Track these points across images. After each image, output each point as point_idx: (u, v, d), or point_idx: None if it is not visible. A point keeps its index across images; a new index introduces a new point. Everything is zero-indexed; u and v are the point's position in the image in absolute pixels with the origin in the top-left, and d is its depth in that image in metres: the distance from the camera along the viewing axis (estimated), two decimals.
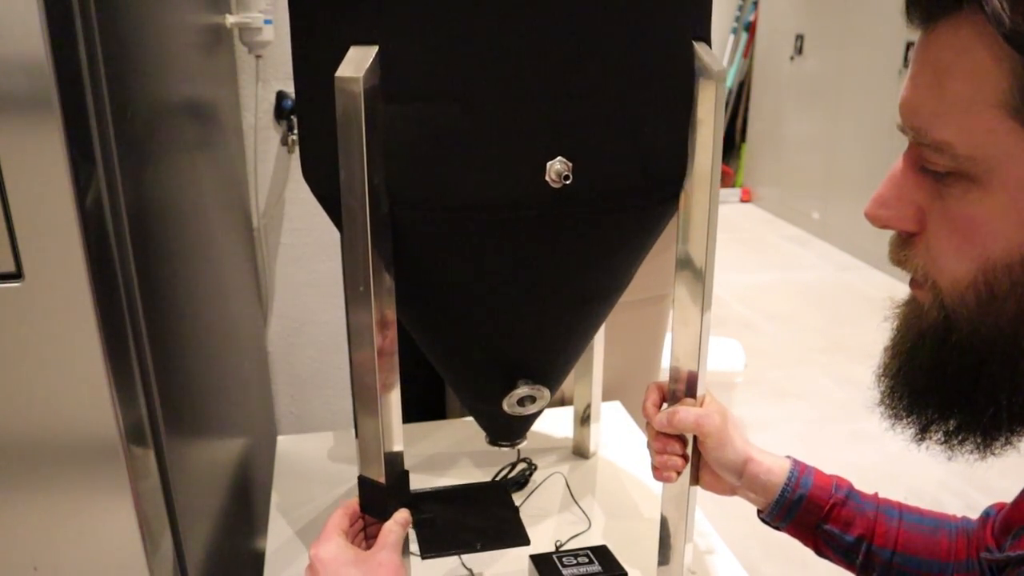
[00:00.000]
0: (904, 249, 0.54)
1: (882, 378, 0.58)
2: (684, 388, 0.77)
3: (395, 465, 0.71)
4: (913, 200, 0.52)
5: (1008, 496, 0.74)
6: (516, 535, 0.79)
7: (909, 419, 0.56)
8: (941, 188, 0.50)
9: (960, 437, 0.54)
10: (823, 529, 0.77)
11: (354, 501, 0.74)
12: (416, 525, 0.76)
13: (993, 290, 0.48)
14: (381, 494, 0.71)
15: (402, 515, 0.73)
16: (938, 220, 0.51)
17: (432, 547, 0.77)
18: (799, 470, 0.79)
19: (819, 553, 0.79)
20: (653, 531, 0.85)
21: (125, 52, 0.72)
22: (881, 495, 0.80)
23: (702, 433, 0.76)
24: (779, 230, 5.14)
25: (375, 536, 0.71)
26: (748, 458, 0.78)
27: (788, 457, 0.81)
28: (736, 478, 0.78)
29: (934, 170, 0.50)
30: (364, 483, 0.72)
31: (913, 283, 0.55)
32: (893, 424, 0.57)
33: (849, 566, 0.78)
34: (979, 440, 0.53)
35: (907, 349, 0.55)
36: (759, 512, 0.81)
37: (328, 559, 0.68)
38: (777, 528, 0.80)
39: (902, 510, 0.77)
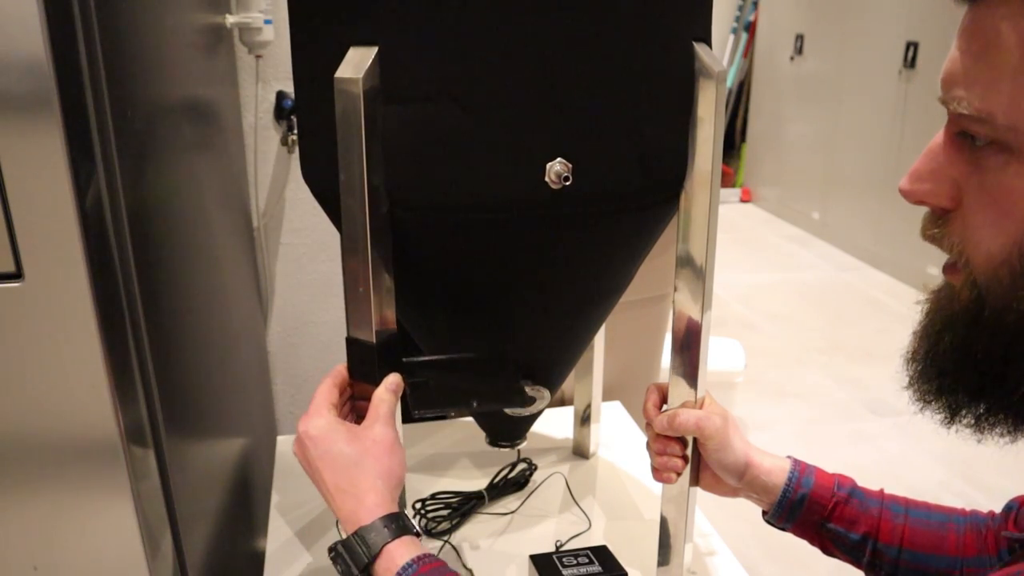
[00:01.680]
0: (938, 226, 0.53)
1: (910, 362, 0.57)
2: (684, 389, 0.77)
3: (386, 326, 0.67)
4: (950, 175, 0.52)
5: (1009, 495, 0.74)
6: (516, 398, 0.75)
7: (939, 402, 0.55)
8: (980, 160, 0.49)
9: (991, 420, 0.53)
10: (827, 528, 0.77)
11: (342, 368, 0.70)
12: (409, 387, 0.71)
13: None
14: (370, 356, 0.67)
15: (392, 380, 0.68)
16: (975, 194, 0.50)
17: (424, 404, 0.71)
18: (799, 470, 0.79)
19: (826, 552, 0.79)
20: (653, 531, 0.85)
21: (125, 52, 0.72)
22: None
23: (703, 435, 0.76)
24: (779, 230, 5.14)
25: (364, 413, 0.68)
26: (748, 460, 0.78)
27: (789, 457, 0.80)
28: (737, 480, 0.78)
29: (973, 142, 0.49)
30: (352, 345, 0.68)
31: (946, 269, 0.54)
32: (922, 408, 0.56)
33: (856, 564, 0.77)
34: (1010, 423, 0.52)
35: (937, 331, 0.55)
36: (764, 513, 0.81)
37: (318, 436, 0.66)
38: (782, 529, 0.80)
39: (908, 506, 0.77)
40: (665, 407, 0.79)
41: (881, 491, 0.79)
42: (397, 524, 0.63)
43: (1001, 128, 0.47)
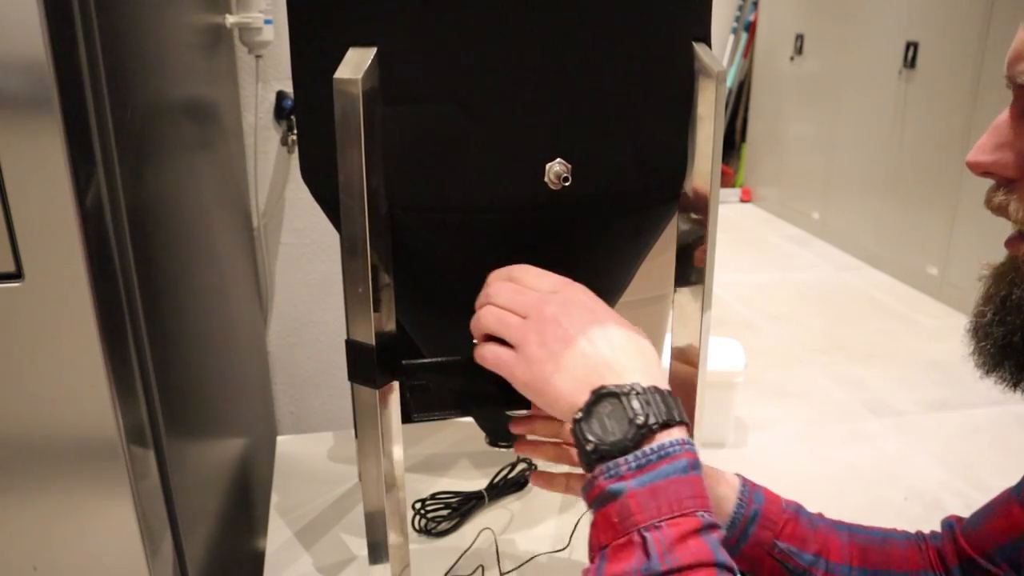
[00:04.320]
0: (1002, 195, 0.57)
1: (976, 328, 0.60)
2: (683, 389, 0.77)
3: (386, 327, 0.66)
4: (1015, 147, 0.56)
5: None
6: (516, 400, 0.71)
7: (1004, 365, 0.58)
8: None
9: None
10: (779, 548, 0.72)
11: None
12: (408, 390, 0.69)
13: None
14: (369, 358, 0.65)
15: None
16: None
17: (424, 408, 0.69)
18: (749, 485, 0.74)
19: None
20: None
21: (125, 52, 0.72)
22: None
23: None
24: (779, 230, 5.14)
25: None
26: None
27: (736, 475, 0.75)
28: None
29: None
30: (351, 347, 0.66)
31: (1009, 242, 0.58)
32: (987, 372, 0.59)
33: None
34: None
35: (1003, 295, 0.57)
36: None
37: (580, 286, 0.58)
38: (730, 554, 0.74)
39: (849, 526, 0.75)
40: None
41: (820, 514, 0.76)
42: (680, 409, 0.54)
43: None
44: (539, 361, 0.55)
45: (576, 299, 0.57)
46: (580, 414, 0.52)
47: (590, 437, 0.51)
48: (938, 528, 0.75)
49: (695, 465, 0.50)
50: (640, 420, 0.50)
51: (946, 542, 0.73)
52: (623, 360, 0.54)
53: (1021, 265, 0.56)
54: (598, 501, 0.50)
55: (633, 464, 0.50)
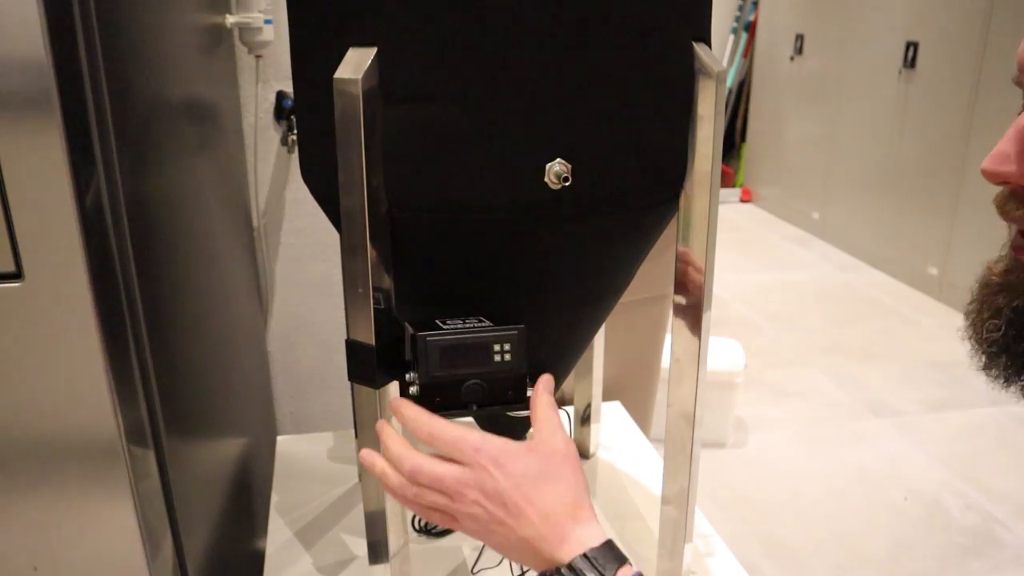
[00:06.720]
0: (1015, 202, 0.54)
1: (975, 318, 0.58)
2: (684, 389, 0.77)
3: (388, 325, 0.65)
4: None
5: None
6: (518, 400, 0.73)
7: (999, 360, 0.57)
8: None
9: None
10: None
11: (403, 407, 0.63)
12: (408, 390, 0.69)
13: None
14: (369, 358, 0.65)
15: (546, 379, 0.65)
16: None
17: (425, 407, 0.67)
18: None
19: None
20: (653, 531, 0.85)
21: (125, 52, 0.72)
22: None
23: None
24: (779, 230, 5.14)
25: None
26: None
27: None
28: None
29: None
30: (351, 347, 0.65)
31: (1020, 248, 0.56)
32: (986, 365, 0.58)
33: None
34: None
35: (1010, 297, 0.56)
36: None
37: (504, 458, 0.59)
38: None
39: None
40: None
41: None
42: (617, 551, 0.58)
43: None
44: (481, 535, 0.61)
45: (486, 481, 0.60)
46: None
47: None
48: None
49: None
50: None
51: None
52: (559, 525, 0.58)
53: None
54: None
55: None
